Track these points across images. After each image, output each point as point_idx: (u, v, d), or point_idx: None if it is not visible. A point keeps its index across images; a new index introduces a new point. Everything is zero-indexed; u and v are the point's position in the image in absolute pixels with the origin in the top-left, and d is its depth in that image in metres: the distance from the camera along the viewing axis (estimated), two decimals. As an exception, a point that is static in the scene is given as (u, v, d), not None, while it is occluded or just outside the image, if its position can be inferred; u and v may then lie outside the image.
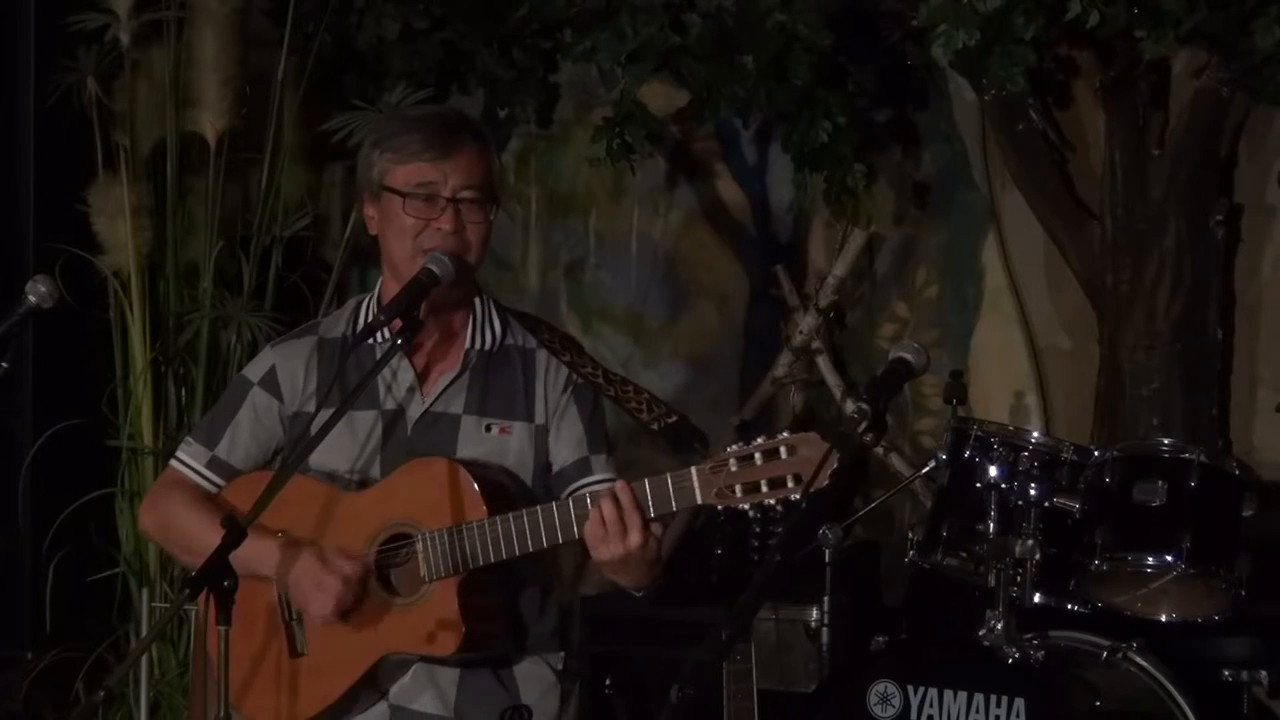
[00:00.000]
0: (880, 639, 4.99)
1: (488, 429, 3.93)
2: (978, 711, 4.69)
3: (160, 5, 6.34)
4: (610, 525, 3.68)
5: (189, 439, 4.11)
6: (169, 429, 6.39)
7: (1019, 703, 4.65)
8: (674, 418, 3.91)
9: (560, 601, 4.05)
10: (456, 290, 3.93)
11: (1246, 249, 5.90)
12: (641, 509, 3.68)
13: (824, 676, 5.28)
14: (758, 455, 3.61)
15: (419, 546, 3.83)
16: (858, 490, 6.12)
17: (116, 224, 6.30)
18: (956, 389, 5.42)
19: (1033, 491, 4.79)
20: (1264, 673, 5.01)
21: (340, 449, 3.96)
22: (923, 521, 5.11)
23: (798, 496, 3.58)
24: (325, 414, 3.84)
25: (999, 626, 4.75)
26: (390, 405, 3.96)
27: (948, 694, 4.71)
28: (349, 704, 3.93)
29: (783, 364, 6.28)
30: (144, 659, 6.00)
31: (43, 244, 6.23)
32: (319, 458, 3.95)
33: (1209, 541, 4.79)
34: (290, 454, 3.89)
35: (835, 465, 3.55)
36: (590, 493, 3.77)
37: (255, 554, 3.85)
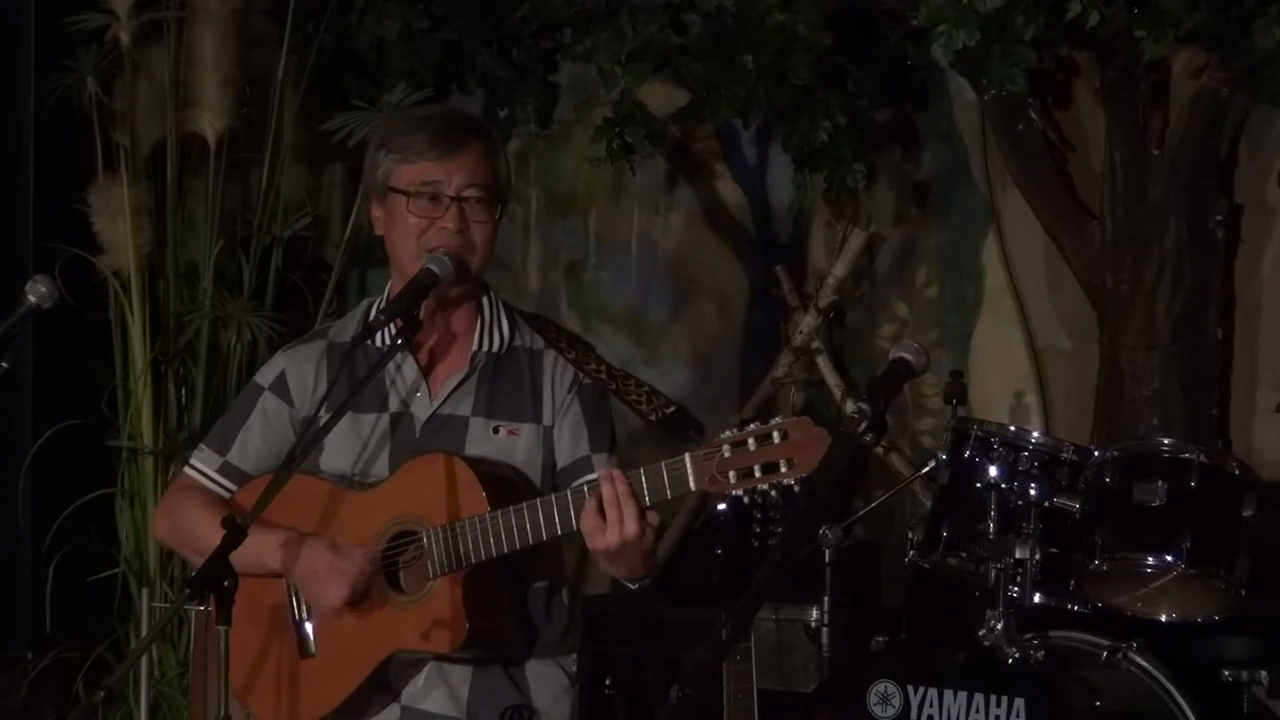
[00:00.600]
0: (880, 639, 4.99)
1: (495, 431, 3.93)
2: (978, 711, 4.68)
3: (160, 5, 6.34)
4: (607, 513, 3.67)
5: (202, 445, 4.12)
6: (169, 429, 6.39)
7: (1019, 703, 4.65)
8: (672, 408, 3.91)
9: (566, 603, 4.05)
10: (460, 289, 3.93)
11: (1246, 249, 5.90)
12: (637, 497, 3.68)
13: (824, 676, 5.28)
14: (751, 441, 3.61)
15: (424, 543, 3.83)
16: (858, 490, 6.12)
17: (116, 224, 6.30)
18: (956, 389, 5.43)
19: (1033, 491, 4.79)
20: (1264, 673, 5.01)
21: (348, 451, 3.96)
22: (923, 521, 5.11)
23: (791, 481, 3.58)
24: (328, 416, 3.84)
25: (999, 626, 4.75)
26: (397, 407, 3.96)
27: (948, 694, 4.71)
28: (360, 704, 3.93)
29: (783, 364, 6.28)
30: (144, 659, 6.00)
31: (43, 244, 6.23)
32: (327, 460, 3.96)
33: (1209, 541, 4.79)
34: (294, 451, 3.89)
35: (825, 450, 3.54)
36: (587, 484, 3.76)
37: (263, 548, 3.85)
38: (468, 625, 3.80)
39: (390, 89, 6.48)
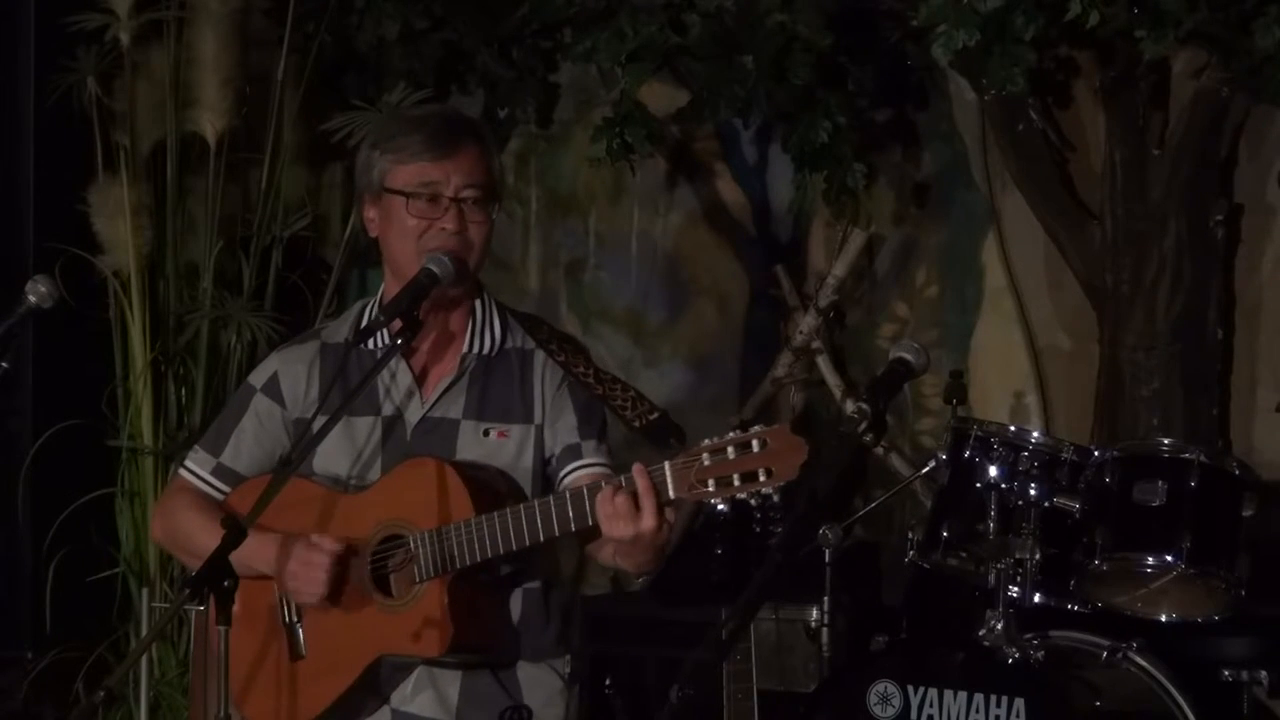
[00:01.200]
0: (880, 639, 4.99)
1: (485, 433, 3.93)
2: (978, 711, 4.69)
3: (160, 5, 6.34)
4: (627, 505, 3.66)
5: (196, 447, 4.12)
6: (169, 429, 6.39)
7: (1019, 703, 4.65)
8: (655, 414, 3.90)
9: (561, 604, 4.04)
10: (456, 291, 3.93)
11: (1246, 249, 5.90)
12: (659, 492, 3.67)
13: (824, 676, 5.29)
14: (731, 449, 3.60)
15: (410, 547, 3.84)
16: (858, 490, 6.12)
17: (116, 224, 6.30)
18: (956, 389, 5.42)
19: (1033, 491, 4.80)
20: (1264, 673, 5.01)
21: (341, 454, 3.95)
22: (923, 521, 5.11)
23: (769, 490, 3.58)
24: (324, 419, 3.84)
25: (999, 626, 4.75)
26: (389, 410, 3.96)
27: (948, 694, 4.72)
28: (350, 708, 3.93)
29: (783, 364, 6.28)
30: (144, 659, 6.00)
31: (43, 244, 6.23)
32: (320, 463, 3.96)
33: (1209, 541, 4.79)
34: (291, 454, 3.89)
35: (805, 458, 3.54)
36: (589, 483, 3.75)
37: (251, 552, 3.84)
38: (452, 629, 3.80)
39: (390, 89, 6.48)
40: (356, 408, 3.91)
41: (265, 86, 6.50)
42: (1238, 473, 4.88)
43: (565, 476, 3.91)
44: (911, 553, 5.05)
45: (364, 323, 4.02)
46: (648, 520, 3.67)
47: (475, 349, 3.97)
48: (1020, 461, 4.88)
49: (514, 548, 3.76)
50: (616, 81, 6.07)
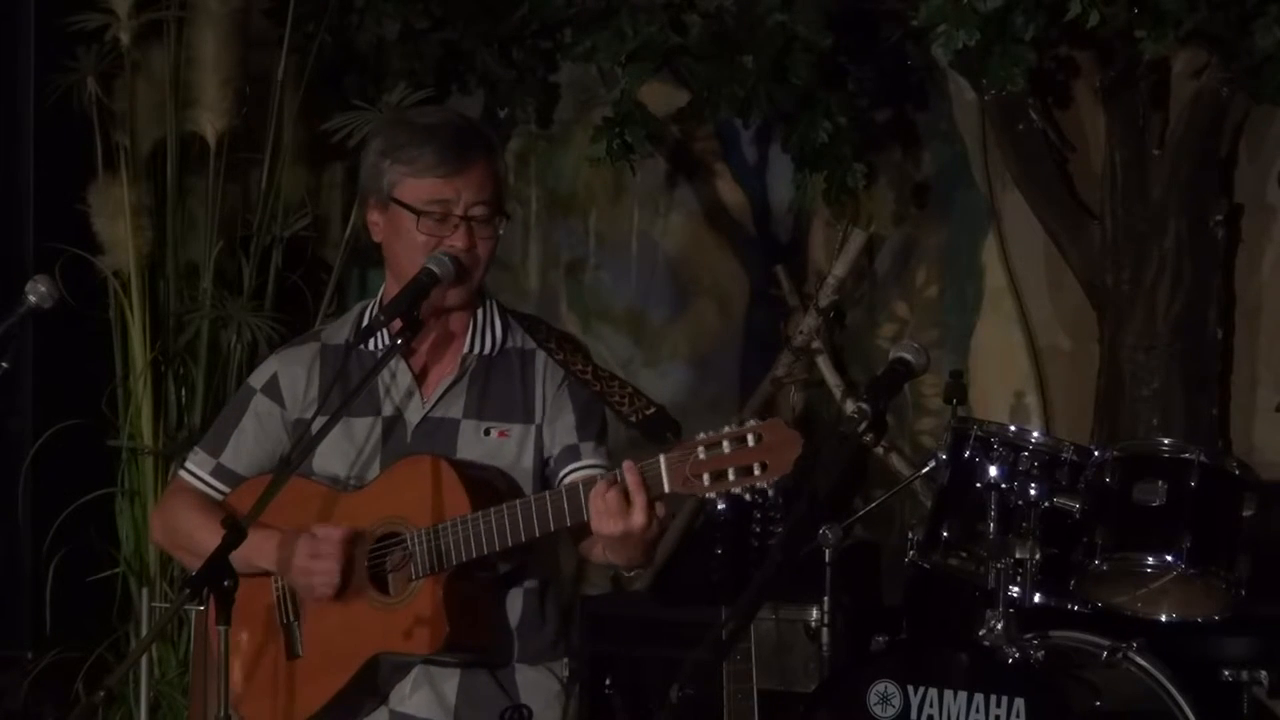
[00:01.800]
0: (880, 639, 4.99)
1: (486, 433, 3.93)
2: (978, 711, 4.69)
3: (160, 5, 6.34)
4: (619, 501, 3.67)
5: (196, 448, 4.12)
6: (169, 429, 6.39)
7: (1019, 703, 4.65)
8: (652, 409, 3.90)
9: (560, 605, 4.04)
10: (457, 294, 3.92)
11: (1246, 249, 5.90)
12: (649, 488, 3.67)
13: (824, 676, 5.28)
14: (726, 443, 3.60)
15: (408, 545, 3.84)
16: (858, 490, 6.12)
17: (116, 224, 6.30)
18: (956, 389, 5.42)
19: (1033, 491, 4.80)
20: (1264, 673, 5.01)
21: (340, 454, 3.96)
22: (923, 521, 5.12)
23: (764, 485, 3.58)
24: (325, 419, 3.84)
25: (999, 626, 4.75)
26: (389, 411, 3.96)
27: (948, 694, 4.72)
28: (348, 707, 3.93)
29: (783, 364, 6.28)
30: (144, 659, 6.00)
31: (43, 244, 6.23)
32: (320, 463, 3.96)
33: (1209, 541, 4.79)
34: (291, 454, 3.89)
35: (800, 452, 3.54)
36: (584, 479, 3.76)
37: (253, 549, 3.84)
38: (448, 627, 3.80)
39: (390, 89, 6.48)
40: (356, 408, 3.91)
41: (265, 86, 6.50)
42: (1238, 473, 4.89)
43: (564, 477, 3.91)
44: (911, 553, 5.05)
45: (364, 324, 4.02)
46: (638, 516, 3.68)
47: (476, 349, 3.97)
48: (1020, 461, 4.88)
49: (509, 544, 3.76)
50: (616, 81, 6.07)
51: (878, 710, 4.78)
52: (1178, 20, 5.24)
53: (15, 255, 6.33)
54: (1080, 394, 6.00)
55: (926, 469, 5.09)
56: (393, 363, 3.93)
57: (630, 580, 6.11)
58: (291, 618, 3.96)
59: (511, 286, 6.66)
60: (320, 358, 4.03)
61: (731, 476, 3.59)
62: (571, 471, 3.91)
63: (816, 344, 6.24)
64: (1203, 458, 4.84)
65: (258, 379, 4.08)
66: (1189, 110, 5.76)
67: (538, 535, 3.77)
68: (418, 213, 3.88)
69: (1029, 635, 4.81)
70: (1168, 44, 5.31)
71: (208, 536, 3.73)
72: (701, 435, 3.62)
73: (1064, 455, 4.94)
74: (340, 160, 6.71)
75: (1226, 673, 5.02)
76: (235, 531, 3.61)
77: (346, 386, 3.89)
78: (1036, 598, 4.83)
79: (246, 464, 4.04)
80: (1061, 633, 4.93)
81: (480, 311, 4.00)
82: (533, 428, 3.95)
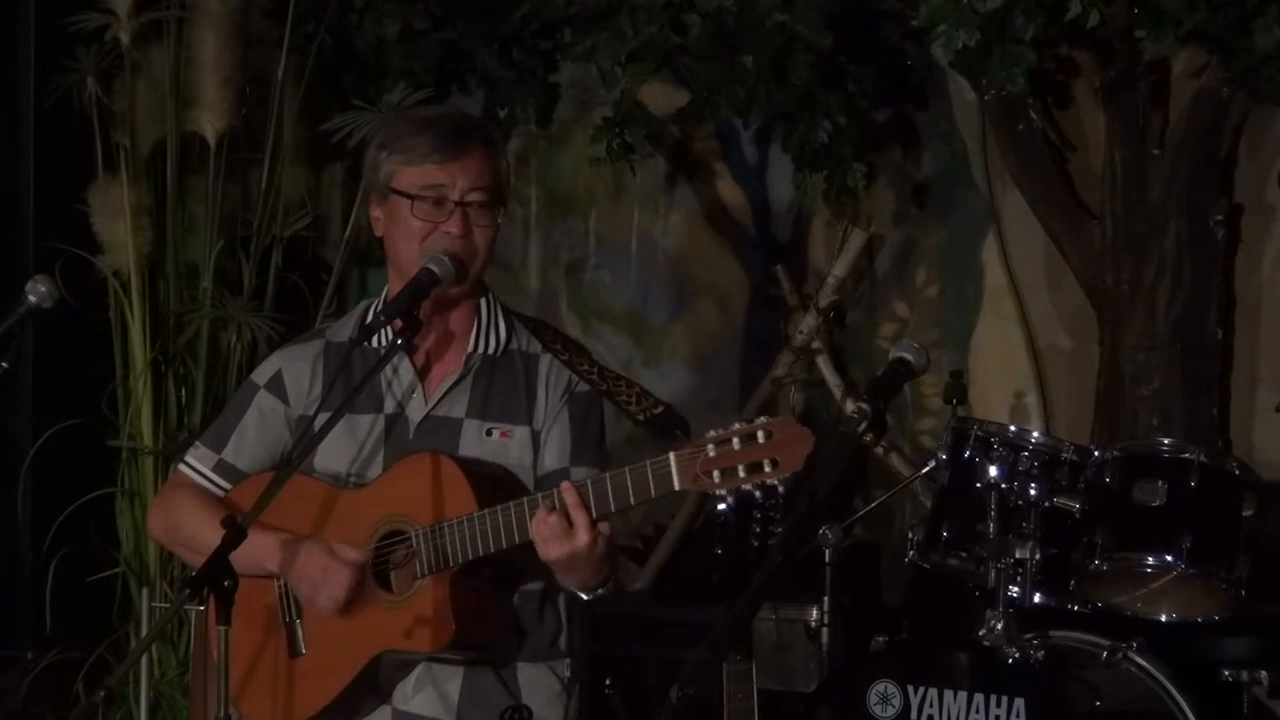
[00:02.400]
0: (880, 639, 4.99)
1: (488, 433, 3.93)
2: (978, 711, 4.69)
3: (160, 5, 6.34)
4: (559, 523, 3.68)
5: (197, 443, 4.11)
6: (169, 429, 6.39)
7: (1019, 703, 4.65)
8: (660, 408, 3.91)
9: (562, 605, 4.04)
10: (459, 291, 3.93)
11: (1246, 249, 5.90)
12: (588, 509, 3.68)
13: (824, 676, 5.28)
14: (736, 440, 3.60)
15: (412, 543, 3.84)
16: (858, 490, 6.12)
17: (116, 224, 6.30)
18: (956, 389, 5.42)
19: (1033, 491, 4.80)
20: (1264, 673, 5.01)
21: (342, 451, 3.96)
22: (923, 521, 5.11)
23: (774, 481, 3.58)
24: (326, 416, 3.84)
25: (999, 626, 4.75)
26: (392, 408, 3.96)
27: (948, 694, 4.72)
28: (351, 705, 3.93)
29: (783, 364, 6.28)
30: (144, 659, 6.00)
31: (43, 244, 6.23)
32: (322, 460, 3.96)
33: (1209, 541, 4.79)
34: (293, 452, 3.89)
35: (811, 449, 3.54)
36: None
37: (259, 550, 3.85)
38: (454, 625, 3.80)
39: (390, 89, 6.48)
40: (359, 405, 3.91)
41: (265, 86, 6.50)
42: (1238, 473, 4.89)
43: None
44: (911, 553, 5.05)
45: (368, 322, 4.02)
46: (581, 536, 3.69)
47: (480, 349, 3.97)
48: (1020, 461, 4.88)
49: (515, 542, 3.76)
50: (616, 81, 6.07)
51: (878, 710, 4.78)
52: (1178, 20, 5.24)
53: (15, 255, 6.33)
54: (1080, 394, 6.00)
55: (926, 469, 5.09)
56: (396, 360, 3.94)
57: (630, 580, 6.12)
58: (294, 616, 3.96)
59: (511, 286, 6.66)
60: (324, 355, 4.03)
61: (742, 473, 3.60)
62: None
63: (816, 344, 6.24)
64: (1203, 458, 4.84)
65: (261, 375, 4.08)
66: (1189, 110, 5.76)
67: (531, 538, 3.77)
68: (412, 197, 3.89)
69: (1029, 635, 4.81)
70: (1168, 44, 5.31)
71: (210, 534, 3.72)
72: (711, 433, 3.62)
73: (1064, 455, 4.94)
74: (340, 160, 6.71)
75: (1226, 673, 5.02)
76: (235, 531, 3.61)
77: (349, 384, 3.89)
78: (1036, 598, 4.83)
79: (249, 460, 4.04)
80: (1061, 633, 4.93)
81: (484, 310, 4.00)
82: (532, 431, 3.95)
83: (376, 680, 3.92)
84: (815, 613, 5.43)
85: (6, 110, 6.37)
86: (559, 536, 3.69)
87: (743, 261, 6.56)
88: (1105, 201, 5.87)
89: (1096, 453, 4.95)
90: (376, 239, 4.05)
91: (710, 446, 3.61)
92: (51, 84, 6.32)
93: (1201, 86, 5.73)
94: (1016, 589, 4.77)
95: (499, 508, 3.77)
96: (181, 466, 4.10)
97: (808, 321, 6.23)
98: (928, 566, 5.05)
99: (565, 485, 3.70)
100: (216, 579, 3.57)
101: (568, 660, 4.03)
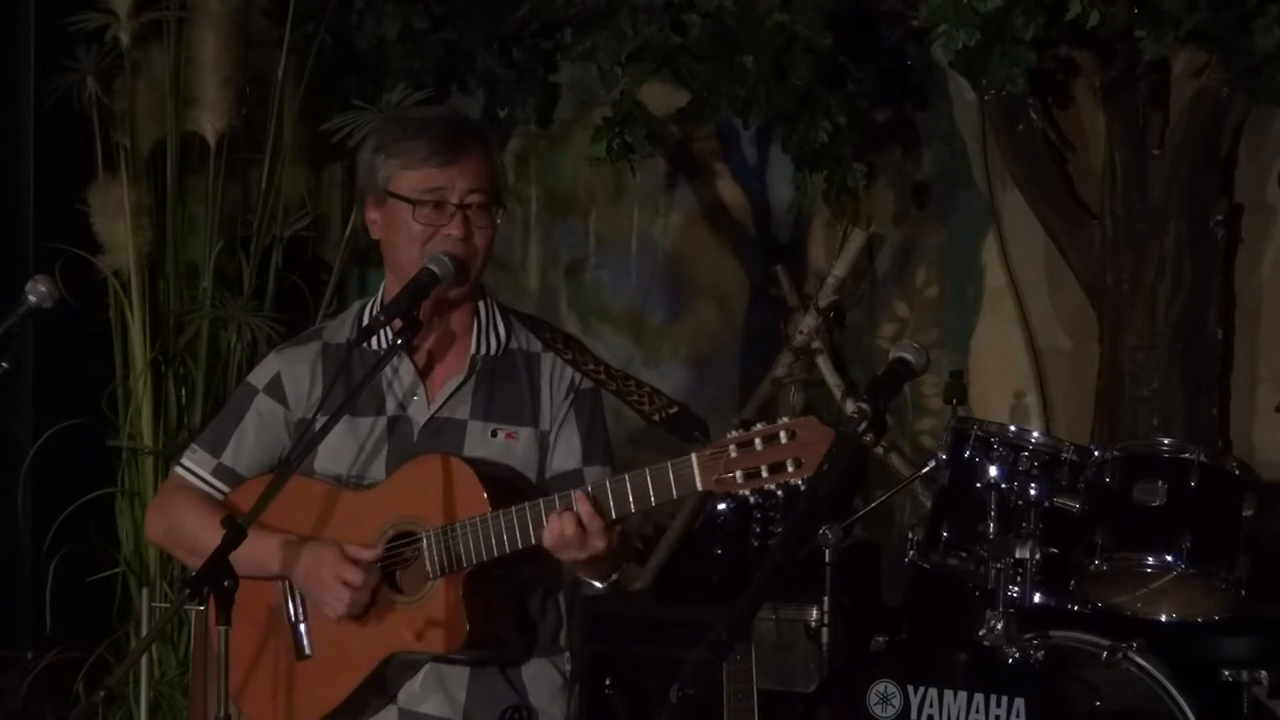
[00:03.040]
0: (880, 639, 4.99)
1: (493, 434, 3.93)
2: (978, 711, 4.69)
3: (160, 5, 6.34)
4: (576, 532, 3.70)
5: (194, 446, 4.09)
6: (169, 429, 6.39)
7: (1019, 703, 4.65)
8: (675, 408, 3.91)
9: (563, 601, 4.04)
10: (458, 291, 3.92)
11: (1246, 249, 5.90)
12: (603, 514, 3.70)
13: (824, 676, 5.28)
14: (758, 441, 3.61)
15: (423, 544, 3.83)
16: (858, 490, 6.12)
17: (116, 224, 6.30)
18: (956, 389, 5.42)
19: (1033, 491, 4.79)
20: (1264, 673, 5.01)
21: (344, 453, 3.94)
22: (923, 521, 5.11)
23: (798, 481, 3.58)
24: (326, 418, 3.83)
25: (999, 626, 4.75)
26: (394, 410, 3.95)
27: (948, 694, 4.71)
28: (356, 707, 3.92)
29: (783, 364, 6.28)
30: (144, 659, 6.00)
31: (43, 244, 6.23)
32: (323, 463, 3.94)
33: (1209, 541, 4.79)
34: (292, 453, 3.88)
35: (831, 448, 3.54)
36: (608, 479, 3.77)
37: (263, 552, 3.84)
38: (468, 626, 3.80)
39: (390, 89, 6.48)
40: (359, 407, 3.90)
41: (265, 86, 6.50)
42: (1238, 473, 4.88)
43: None
44: (911, 553, 5.05)
45: (365, 322, 4.01)
46: (596, 542, 3.72)
47: (483, 350, 3.97)
48: (1020, 461, 4.88)
49: (531, 543, 3.76)
50: (616, 81, 6.07)
51: (878, 710, 4.78)
52: (1178, 20, 5.25)
53: (15, 255, 6.34)
54: (1080, 394, 6.00)
55: (926, 469, 5.09)
56: (396, 362, 3.93)
57: (630, 580, 6.12)
58: (298, 618, 3.95)
59: (511, 286, 6.66)
60: (322, 357, 4.02)
61: (765, 474, 3.61)
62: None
63: (816, 344, 6.24)
64: (1203, 458, 4.84)
65: (259, 378, 4.06)
66: (1189, 110, 5.76)
67: None
68: (413, 202, 3.88)
69: (1029, 635, 4.81)
70: (1168, 44, 5.31)
71: (211, 536, 3.70)
72: (733, 434, 3.63)
73: (1064, 455, 4.93)
74: (340, 160, 6.71)
75: (1226, 673, 5.02)
76: (235, 531, 3.61)
77: (349, 385, 3.89)
78: (1036, 598, 4.83)
79: (247, 464, 4.03)
80: (1061, 633, 4.93)
81: (483, 310, 3.99)
82: (538, 432, 3.94)
83: (383, 680, 3.92)
84: (815, 613, 5.43)
85: (6, 110, 6.38)
86: (575, 544, 3.72)
87: (743, 261, 6.56)
88: (1105, 201, 5.87)
89: (1096, 453, 4.95)
90: (365, 242, 4.03)
91: (732, 448, 3.62)
92: (51, 84, 6.32)
93: (1201, 86, 5.74)
94: (1016, 589, 4.77)
95: (514, 509, 3.77)
96: (179, 470, 4.08)
97: (808, 321, 6.23)
98: (928, 566, 5.05)
99: (579, 495, 3.71)
100: (216, 579, 3.56)
101: (567, 655, 4.04)
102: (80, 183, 6.33)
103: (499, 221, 3.94)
